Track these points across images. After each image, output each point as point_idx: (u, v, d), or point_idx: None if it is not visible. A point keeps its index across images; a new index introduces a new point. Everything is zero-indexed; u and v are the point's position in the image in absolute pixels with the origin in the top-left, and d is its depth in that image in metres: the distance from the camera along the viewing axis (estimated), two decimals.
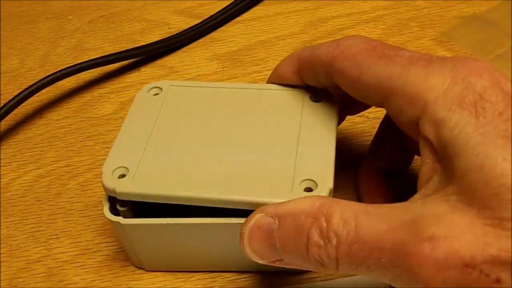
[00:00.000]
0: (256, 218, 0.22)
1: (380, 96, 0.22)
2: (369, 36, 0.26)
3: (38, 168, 0.34)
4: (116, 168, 0.25)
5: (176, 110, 0.28)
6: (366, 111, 0.31)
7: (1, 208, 0.32)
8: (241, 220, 0.24)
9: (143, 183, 0.24)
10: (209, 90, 0.29)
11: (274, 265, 0.22)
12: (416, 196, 0.20)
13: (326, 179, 0.24)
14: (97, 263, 0.29)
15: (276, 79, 0.29)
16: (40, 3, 0.47)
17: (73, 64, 0.38)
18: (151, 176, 0.25)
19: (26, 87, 0.36)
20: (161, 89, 0.29)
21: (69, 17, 0.46)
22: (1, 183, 0.33)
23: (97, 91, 0.39)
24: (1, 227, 0.31)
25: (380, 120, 0.30)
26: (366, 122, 0.34)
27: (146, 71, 0.40)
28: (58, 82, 0.37)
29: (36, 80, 0.36)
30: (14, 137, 0.36)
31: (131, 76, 0.40)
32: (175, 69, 0.40)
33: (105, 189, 0.25)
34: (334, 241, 0.20)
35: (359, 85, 0.23)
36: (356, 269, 0.20)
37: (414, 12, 0.42)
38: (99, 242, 0.30)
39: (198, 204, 0.24)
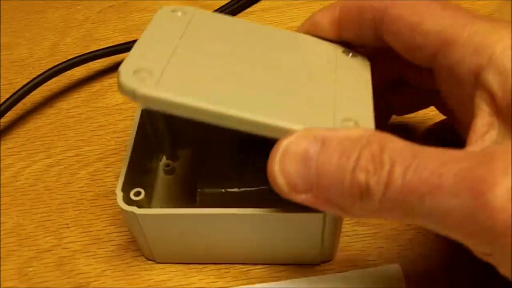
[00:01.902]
0: (296, 136, 0.20)
1: (439, 44, 0.22)
2: None
3: (48, 158, 0.34)
4: (138, 70, 0.21)
5: (205, 31, 0.25)
6: None
7: (11, 197, 0.32)
8: (258, 211, 0.24)
9: (168, 89, 0.21)
10: (239, 23, 0.27)
11: (296, 198, 0.20)
12: (471, 147, 0.20)
13: (368, 121, 0.22)
14: (109, 253, 0.29)
15: (309, 28, 0.27)
16: None
17: (82, 53, 0.37)
18: (177, 84, 0.21)
19: (35, 76, 0.35)
20: (185, 13, 0.26)
21: (78, 7, 0.45)
22: (11, 172, 0.33)
23: (107, 81, 0.39)
24: (11, 216, 0.31)
25: None
26: None
27: None
28: (67, 72, 0.37)
29: (45, 70, 0.36)
30: (23, 126, 0.36)
31: None
32: None
33: (123, 90, 0.21)
34: (387, 166, 0.18)
35: (417, 33, 0.22)
36: (404, 201, 0.18)
37: None
38: (110, 232, 0.30)
39: (225, 124, 0.21)
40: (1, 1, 0.46)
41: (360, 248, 0.28)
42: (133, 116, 0.35)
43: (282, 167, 0.20)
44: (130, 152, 0.27)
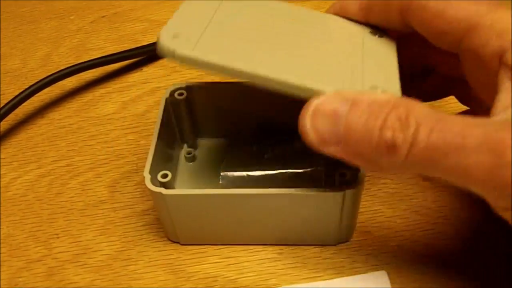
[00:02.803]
0: (327, 96, 0.22)
1: (464, 30, 0.23)
2: None
3: (39, 168, 0.34)
4: (177, 34, 0.23)
5: (240, 5, 0.27)
6: None
7: (2, 207, 0.32)
8: (280, 191, 0.26)
9: (206, 51, 0.23)
10: (271, 2, 0.28)
11: (327, 150, 0.22)
12: (495, 117, 0.21)
13: (395, 88, 0.23)
14: (98, 263, 0.29)
15: (338, 10, 0.28)
16: (43, 3, 0.47)
17: (74, 64, 0.38)
18: (214, 47, 0.23)
19: (27, 87, 0.36)
20: None
21: (71, 17, 0.46)
22: (2, 182, 0.33)
23: (98, 91, 0.39)
24: (1, 227, 0.31)
25: None
26: None
27: (148, 70, 0.40)
28: (59, 82, 0.37)
29: (37, 80, 0.36)
30: (15, 136, 0.36)
31: (133, 76, 0.40)
32: (177, 68, 0.40)
33: (162, 51, 0.23)
34: (413, 128, 0.20)
35: (442, 20, 0.24)
36: (429, 158, 0.19)
37: None
38: (100, 242, 0.30)
39: (261, 84, 0.23)
40: None
41: (347, 255, 0.28)
42: (123, 125, 0.36)
43: (312, 123, 0.21)
44: (156, 139, 0.28)
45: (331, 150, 0.22)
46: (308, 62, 0.24)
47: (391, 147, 0.20)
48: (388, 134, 0.20)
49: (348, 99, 0.21)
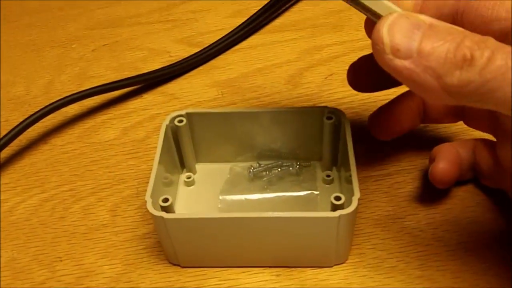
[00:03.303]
0: (407, 13, 0.22)
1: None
2: None
3: (42, 192, 0.35)
4: None
5: None
6: None
7: (6, 231, 0.33)
8: (280, 214, 0.27)
9: None
10: None
11: (393, 63, 0.22)
12: None
13: None
14: (100, 285, 0.30)
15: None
16: (46, 32, 0.49)
17: (77, 91, 0.39)
18: None
19: (31, 113, 0.37)
20: None
21: (73, 46, 0.47)
22: (6, 207, 0.34)
23: (100, 117, 0.40)
24: (6, 250, 0.32)
25: None
26: None
27: (148, 97, 0.41)
28: (62, 109, 0.39)
29: (40, 107, 0.37)
30: (19, 162, 0.37)
31: (133, 103, 0.41)
32: (176, 95, 0.41)
33: None
34: (491, 48, 0.21)
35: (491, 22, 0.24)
36: (503, 77, 0.20)
37: None
38: (102, 265, 0.31)
39: None
40: (2, 40, 0.48)
41: (344, 276, 0.29)
42: (124, 151, 0.37)
43: (389, 31, 0.22)
44: (157, 164, 0.29)
45: (399, 63, 0.22)
46: None
47: (468, 59, 0.21)
48: (466, 48, 0.21)
49: (427, 21, 0.22)
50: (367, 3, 0.24)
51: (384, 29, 0.22)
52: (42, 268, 0.31)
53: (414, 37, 0.22)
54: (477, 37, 0.21)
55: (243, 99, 0.40)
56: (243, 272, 0.30)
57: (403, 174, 0.34)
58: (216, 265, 0.30)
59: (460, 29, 0.22)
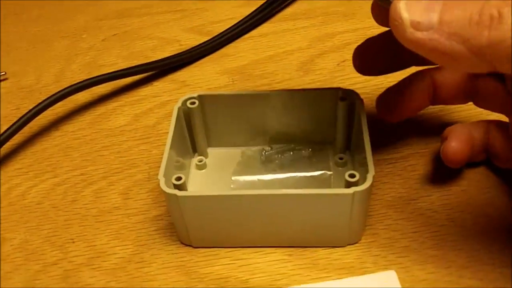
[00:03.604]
0: None
1: None
2: None
3: (54, 177, 0.35)
4: None
5: None
6: None
7: (19, 215, 0.33)
8: (293, 191, 0.27)
9: None
10: None
11: (414, 35, 0.21)
12: None
13: None
14: (113, 265, 0.29)
15: None
16: (56, 23, 0.49)
17: (86, 78, 0.39)
18: None
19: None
20: None
21: (83, 36, 0.47)
22: (19, 191, 0.34)
23: (111, 104, 0.40)
24: (19, 233, 0.32)
25: None
26: None
27: (158, 85, 0.41)
28: (72, 96, 0.39)
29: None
30: (31, 148, 0.37)
31: (144, 90, 0.41)
32: (187, 82, 0.41)
33: None
34: None
35: None
36: None
37: None
38: (114, 246, 0.30)
39: None
40: (11, 32, 0.48)
41: (357, 256, 0.29)
42: (135, 136, 0.37)
43: (407, 5, 0.21)
44: (169, 145, 0.29)
45: (421, 35, 0.21)
46: None
47: (497, 17, 0.20)
48: (493, 7, 0.20)
49: None
50: None
51: (401, 4, 0.22)
52: (54, 250, 0.31)
53: (434, 8, 0.21)
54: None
55: (254, 85, 0.40)
56: (255, 252, 0.29)
57: (417, 157, 0.34)
58: (228, 245, 0.30)
59: None
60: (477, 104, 0.32)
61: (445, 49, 0.21)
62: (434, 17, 0.21)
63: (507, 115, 0.30)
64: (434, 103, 0.32)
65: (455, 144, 0.30)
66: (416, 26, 0.21)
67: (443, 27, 0.21)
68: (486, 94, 0.31)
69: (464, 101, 0.32)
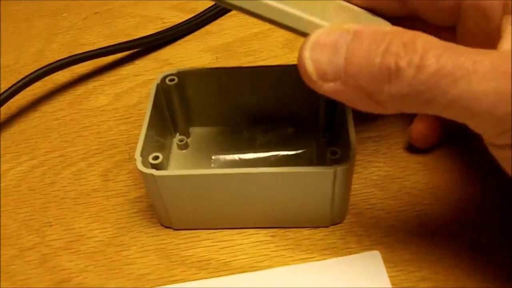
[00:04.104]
0: (329, 28, 0.21)
1: None
2: None
3: (32, 159, 0.34)
4: None
5: None
6: None
7: None
8: (271, 170, 0.26)
9: None
10: None
11: (323, 87, 0.21)
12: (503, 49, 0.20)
13: None
14: (91, 249, 0.29)
15: None
16: (36, 2, 0.47)
17: (65, 57, 0.38)
18: None
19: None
20: None
21: (64, 15, 0.46)
22: None
23: (91, 84, 0.39)
24: None
25: None
26: None
27: (140, 63, 0.40)
28: (52, 76, 0.38)
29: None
30: (8, 129, 0.36)
31: (125, 69, 0.40)
32: (170, 61, 0.40)
33: None
34: (420, 52, 0.19)
35: None
36: (436, 85, 0.19)
37: None
38: (92, 229, 0.30)
39: (261, 12, 0.22)
40: None
41: (340, 236, 0.28)
42: (116, 116, 0.36)
43: (312, 55, 0.21)
44: (147, 123, 0.28)
45: (329, 87, 0.21)
46: (311, 7, 0.23)
47: (394, 73, 0.19)
48: (391, 59, 0.19)
49: (349, 30, 0.20)
50: (287, 22, 0.22)
51: (306, 53, 0.21)
52: (31, 234, 0.30)
53: (338, 54, 0.20)
54: (405, 36, 0.19)
55: (239, 63, 0.39)
56: (238, 234, 0.29)
57: (403, 136, 0.33)
58: (210, 227, 0.29)
59: (387, 29, 0.20)
60: None
61: (353, 100, 0.21)
62: (340, 65, 0.20)
63: None
64: None
65: (419, 126, 0.30)
66: (323, 77, 0.21)
67: (348, 80, 0.20)
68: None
69: None
